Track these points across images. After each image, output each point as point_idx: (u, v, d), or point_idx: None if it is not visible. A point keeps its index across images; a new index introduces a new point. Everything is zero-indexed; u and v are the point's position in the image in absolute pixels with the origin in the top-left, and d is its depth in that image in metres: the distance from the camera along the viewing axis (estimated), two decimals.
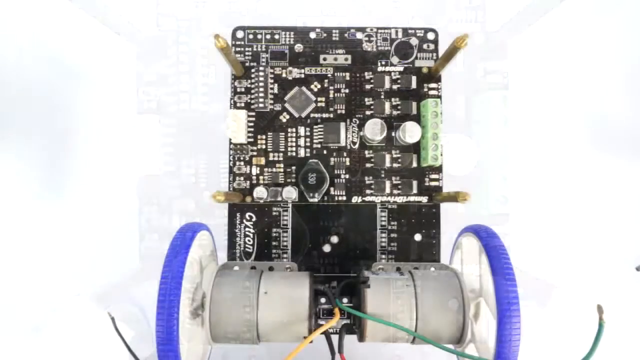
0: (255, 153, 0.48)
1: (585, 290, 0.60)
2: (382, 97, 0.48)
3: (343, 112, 0.48)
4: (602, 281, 0.60)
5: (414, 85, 0.48)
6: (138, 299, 0.56)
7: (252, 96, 0.48)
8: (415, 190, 0.48)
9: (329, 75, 0.49)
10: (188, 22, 0.64)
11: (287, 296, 0.41)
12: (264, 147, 0.48)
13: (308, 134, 0.48)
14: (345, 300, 0.43)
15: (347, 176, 0.48)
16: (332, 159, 0.48)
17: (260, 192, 0.47)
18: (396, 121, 0.48)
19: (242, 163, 0.48)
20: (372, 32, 0.50)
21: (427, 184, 0.48)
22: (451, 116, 0.58)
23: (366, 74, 0.48)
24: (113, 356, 0.57)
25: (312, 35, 0.50)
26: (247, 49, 0.49)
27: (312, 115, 0.48)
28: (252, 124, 0.48)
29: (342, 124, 0.48)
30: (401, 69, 0.49)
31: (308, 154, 0.48)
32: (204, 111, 0.62)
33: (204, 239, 0.45)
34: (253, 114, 0.48)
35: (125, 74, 0.63)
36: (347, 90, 0.48)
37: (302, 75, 0.48)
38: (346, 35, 0.50)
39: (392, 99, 0.48)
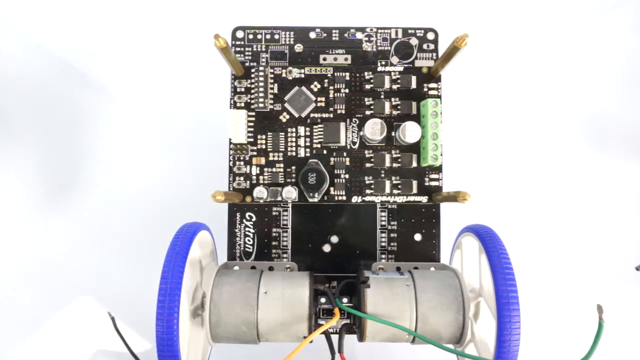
0: (255, 153, 0.48)
1: (585, 290, 0.60)
2: (382, 97, 0.48)
3: (343, 112, 0.48)
4: (602, 281, 0.60)
5: (413, 85, 0.48)
6: (138, 298, 0.56)
7: (252, 96, 0.48)
8: (415, 190, 0.48)
9: (329, 75, 0.49)
10: (188, 22, 0.64)
11: (287, 296, 0.41)
12: (264, 147, 0.48)
13: (308, 134, 0.48)
14: (345, 300, 0.43)
15: (347, 176, 0.48)
16: (332, 159, 0.48)
17: (260, 192, 0.47)
18: (396, 121, 0.48)
19: (242, 163, 0.48)
20: (372, 32, 0.50)
21: (427, 184, 0.48)
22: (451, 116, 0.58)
23: (366, 74, 0.48)
24: (113, 356, 0.57)
25: (312, 35, 0.50)
26: (247, 49, 0.49)
27: (312, 115, 0.48)
28: (252, 124, 0.48)
29: (342, 124, 0.48)
30: (401, 69, 0.49)
31: (308, 154, 0.48)
32: (204, 111, 0.62)
33: (204, 239, 0.45)
34: (253, 114, 0.48)
35: (126, 74, 0.63)
36: (347, 90, 0.48)
37: (302, 75, 0.48)
38: (346, 35, 0.50)
39: (392, 99, 0.48)
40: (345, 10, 0.64)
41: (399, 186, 0.48)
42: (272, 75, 0.48)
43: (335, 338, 0.41)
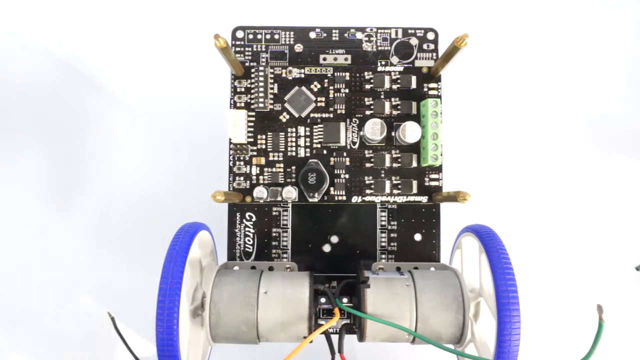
0: (255, 153, 0.48)
1: (585, 290, 0.60)
2: (382, 97, 0.48)
3: (343, 112, 0.48)
4: (602, 281, 0.60)
5: (414, 85, 0.48)
6: (138, 298, 0.56)
7: (252, 96, 0.48)
8: (415, 190, 0.48)
9: (329, 75, 0.49)
10: (188, 22, 0.64)
11: (287, 296, 0.41)
12: (264, 147, 0.48)
13: (308, 134, 0.48)
14: (345, 300, 0.43)
15: (347, 176, 0.48)
16: (332, 159, 0.48)
17: (260, 192, 0.47)
18: (396, 121, 0.48)
19: (242, 163, 0.48)
20: (372, 32, 0.50)
21: (427, 183, 0.48)
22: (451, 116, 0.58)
23: (366, 74, 0.48)
24: (113, 356, 0.57)
25: (312, 35, 0.50)
26: (247, 49, 0.49)
27: (312, 115, 0.48)
28: (252, 124, 0.48)
29: (342, 124, 0.48)
30: (401, 69, 0.49)
31: (308, 154, 0.48)
32: (204, 111, 0.62)
33: (204, 239, 0.45)
34: (253, 114, 0.48)
35: (127, 74, 0.63)
36: (347, 90, 0.48)
37: (302, 75, 0.48)
38: (346, 35, 0.50)
39: (392, 99, 0.48)
40: (345, 10, 0.64)
41: (399, 186, 0.48)
42: (272, 75, 0.48)
43: (335, 338, 0.41)
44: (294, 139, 0.48)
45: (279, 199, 0.47)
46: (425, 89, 0.48)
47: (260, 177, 0.48)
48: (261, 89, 0.48)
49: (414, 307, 0.40)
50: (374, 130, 0.46)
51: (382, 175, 0.48)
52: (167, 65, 0.63)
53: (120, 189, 0.61)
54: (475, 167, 0.62)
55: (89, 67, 0.63)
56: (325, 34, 0.50)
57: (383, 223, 0.49)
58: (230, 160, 0.48)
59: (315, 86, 0.48)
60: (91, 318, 0.58)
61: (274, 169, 0.48)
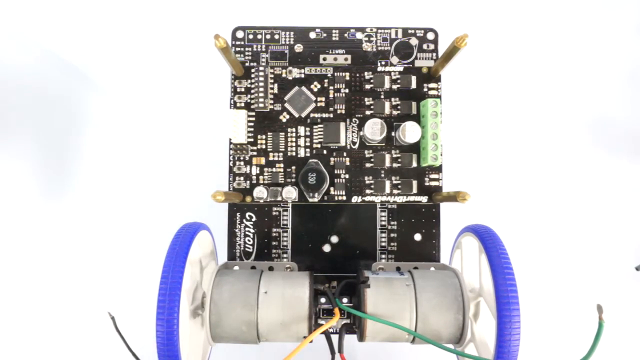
0: (255, 153, 0.48)
1: (585, 290, 0.60)
2: (382, 97, 0.48)
3: (343, 112, 0.48)
4: (602, 281, 0.60)
5: (413, 85, 0.48)
6: (138, 298, 0.56)
7: (252, 96, 0.48)
8: (415, 190, 0.48)
9: (329, 75, 0.49)
10: (188, 22, 0.64)
11: (287, 296, 0.41)
12: (264, 147, 0.48)
13: (308, 134, 0.48)
14: (345, 300, 0.43)
15: (347, 176, 0.48)
16: (332, 159, 0.48)
17: (260, 192, 0.47)
18: (396, 121, 0.48)
19: (242, 163, 0.48)
20: (372, 32, 0.50)
21: (427, 183, 0.48)
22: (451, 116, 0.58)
23: (366, 74, 0.48)
24: (113, 356, 0.57)
25: (312, 35, 0.50)
26: (247, 49, 0.49)
27: (312, 115, 0.48)
28: (252, 124, 0.48)
29: (342, 124, 0.48)
30: (401, 69, 0.49)
31: (308, 154, 0.48)
32: (204, 111, 0.62)
33: (204, 238, 0.45)
34: (253, 114, 0.48)
35: (127, 74, 0.63)
36: (347, 90, 0.48)
37: (302, 75, 0.48)
38: (346, 35, 0.50)
39: (392, 99, 0.48)
40: (345, 10, 0.64)
41: (399, 186, 0.48)
42: (272, 75, 0.48)
43: (335, 338, 0.41)
44: (294, 139, 0.48)
45: (279, 199, 0.47)
46: (425, 89, 0.49)
47: (260, 177, 0.48)
48: (261, 89, 0.48)
49: (414, 307, 0.40)
50: (374, 130, 0.46)
51: (382, 175, 0.48)
52: (167, 66, 0.63)
53: (120, 188, 0.61)
54: (475, 167, 0.62)
55: (88, 66, 0.63)
56: (325, 34, 0.50)
57: (383, 223, 0.49)
58: (230, 160, 0.48)
59: (315, 86, 0.48)
60: (91, 318, 0.58)
61: (274, 169, 0.48)
